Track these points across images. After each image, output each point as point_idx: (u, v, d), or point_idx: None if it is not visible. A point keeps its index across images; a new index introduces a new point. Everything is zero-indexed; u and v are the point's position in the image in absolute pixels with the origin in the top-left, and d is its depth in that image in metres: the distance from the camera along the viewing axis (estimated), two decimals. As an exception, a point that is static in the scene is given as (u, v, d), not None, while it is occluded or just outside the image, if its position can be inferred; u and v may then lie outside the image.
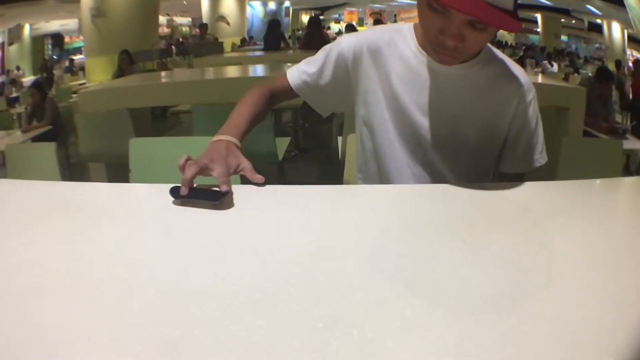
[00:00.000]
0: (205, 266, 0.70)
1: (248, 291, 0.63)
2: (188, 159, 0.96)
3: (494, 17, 0.89)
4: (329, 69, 1.22)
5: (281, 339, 0.53)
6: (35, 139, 4.62)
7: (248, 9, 17.90)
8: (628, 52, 18.16)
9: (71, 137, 4.90)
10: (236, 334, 0.54)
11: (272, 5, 22.53)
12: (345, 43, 1.21)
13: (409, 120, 1.18)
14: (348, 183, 1.76)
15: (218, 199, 0.92)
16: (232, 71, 4.46)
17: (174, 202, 0.93)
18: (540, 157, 1.22)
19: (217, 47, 9.87)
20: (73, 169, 4.39)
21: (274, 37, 7.83)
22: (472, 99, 1.16)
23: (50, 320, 0.57)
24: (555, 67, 9.97)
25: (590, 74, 7.63)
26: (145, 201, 1.05)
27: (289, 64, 4.91)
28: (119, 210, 0.95)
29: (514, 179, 1.20)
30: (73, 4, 10.71)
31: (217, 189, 0.96)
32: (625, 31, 16.81)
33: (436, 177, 1.22)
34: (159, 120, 6.40)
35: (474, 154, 1.20)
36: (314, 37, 6.85)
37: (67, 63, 16.25)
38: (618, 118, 7.03)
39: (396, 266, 0.71)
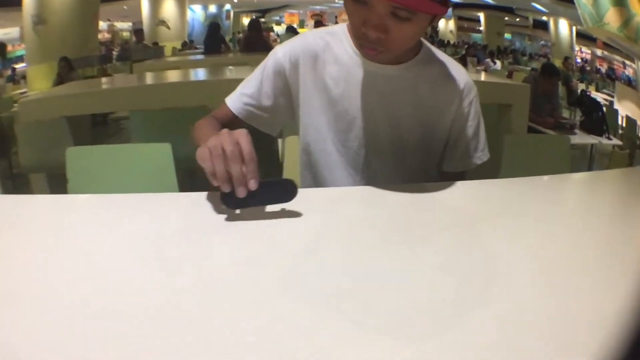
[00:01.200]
0: (137, 279, 0.66)
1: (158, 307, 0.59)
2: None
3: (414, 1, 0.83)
4: (269, 83, 1.12)
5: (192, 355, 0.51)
6: (-20, 151, 4.38)
7: (189, 13, 17.51)
8: (576, 48, 18.64)
9: (13, 148, 4.69)
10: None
11: (212, 9, 22.13)
12: (281, 52, 1.12)
13: (348, 125, 1.11)
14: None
15: (289, 193, 0.82)
16: (171, 76, 4.33)
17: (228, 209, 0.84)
18: (483, 155, 1.18)
19: (157, 51, 9.65)
20: (16, 180, 4.18)
21: (214, 40, 7.67)
22: (413, 100, 1.10)
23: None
24: (499, 64, 10.05)
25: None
26: (85, 213, 0.96)
27: (230, 67, 4.86)
28: (57, 223, 0.87)
29: (455, 177, 1.15)
30: (16, 12, 10.19)
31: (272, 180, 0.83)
32: (574, 28, 17.01)
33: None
34: (100, 127, 6.15)
35: (416, 157, 1.14)
36: (254, 40, 6.76)
37: (9, 72, 15.52)
38: (566, 114, 7.08)
39: (323, 275, 0.67)
